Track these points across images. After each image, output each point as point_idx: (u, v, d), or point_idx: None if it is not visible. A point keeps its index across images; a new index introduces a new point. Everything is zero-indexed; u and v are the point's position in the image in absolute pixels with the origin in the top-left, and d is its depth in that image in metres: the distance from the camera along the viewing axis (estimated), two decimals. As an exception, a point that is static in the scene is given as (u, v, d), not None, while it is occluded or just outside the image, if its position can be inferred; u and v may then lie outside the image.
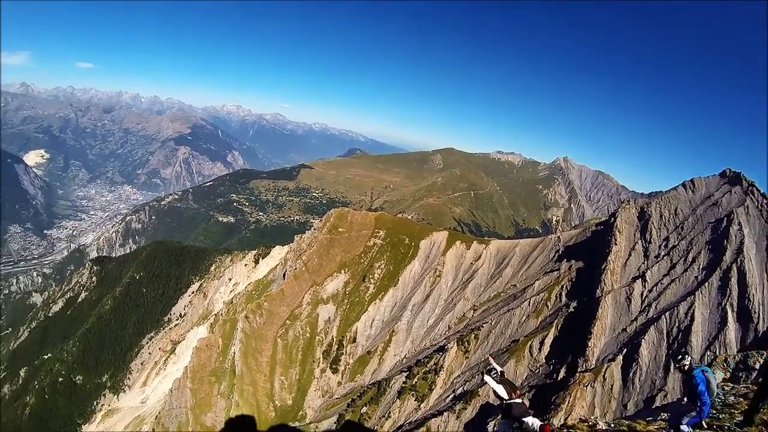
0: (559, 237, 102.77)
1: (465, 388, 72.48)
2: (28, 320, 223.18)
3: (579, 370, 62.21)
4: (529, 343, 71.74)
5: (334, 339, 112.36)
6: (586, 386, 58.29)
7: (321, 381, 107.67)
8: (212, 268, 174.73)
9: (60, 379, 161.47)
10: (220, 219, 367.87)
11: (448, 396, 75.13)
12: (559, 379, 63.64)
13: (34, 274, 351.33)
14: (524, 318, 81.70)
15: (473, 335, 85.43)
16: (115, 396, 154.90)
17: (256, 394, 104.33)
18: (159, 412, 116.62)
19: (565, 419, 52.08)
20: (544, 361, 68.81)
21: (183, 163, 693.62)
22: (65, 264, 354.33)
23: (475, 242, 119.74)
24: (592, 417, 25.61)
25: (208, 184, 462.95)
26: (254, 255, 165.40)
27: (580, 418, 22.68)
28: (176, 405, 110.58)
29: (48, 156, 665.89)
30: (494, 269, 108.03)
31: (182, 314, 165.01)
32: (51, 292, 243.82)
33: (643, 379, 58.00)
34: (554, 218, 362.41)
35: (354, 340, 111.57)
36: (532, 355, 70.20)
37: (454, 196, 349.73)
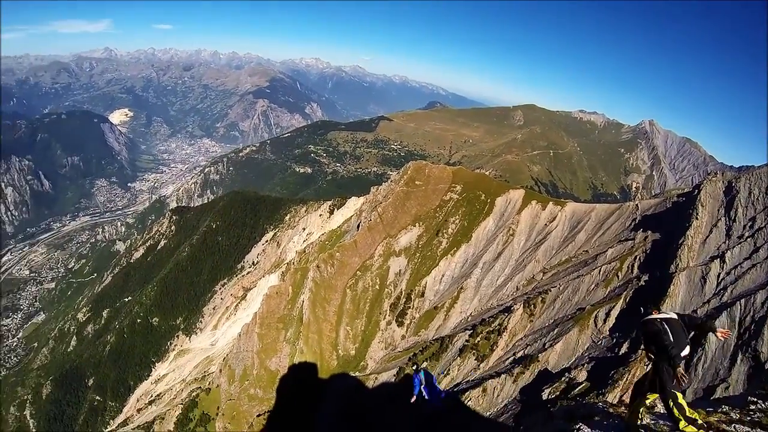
0: (637, 205, 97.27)
1: (526, 352, 70.73)
2: (112, 266, 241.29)
3: (642, 347, 58.12)
4: (595, 312, 68.97)
5: (403, 292, 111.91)
6: (647, 365, 54.09)
7: (385, 333, 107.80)
8: (287, 218, 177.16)
9: (138, 321, 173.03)
10: (297, 170, 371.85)
11: (508, 358, 73.42)
12: (620, 354, 60.47)
13: (118, 224, 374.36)
14: (593, 286, 78.54)
15: (540, 299, 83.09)
16: (188, 338, 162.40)
17: (320, 342, 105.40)
18: (227, 355, 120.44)
19: (621, 396, 49.20)
20: (608, 333, 65.88)
21: (261, 116, 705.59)
22: (147, 214, 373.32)
23: (550, 203, 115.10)
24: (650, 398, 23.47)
25: (286, 135, 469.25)
26: (329, 206, 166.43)
27: None
28: (243, 348, 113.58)
29: (131, 114, 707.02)
30: (568, 233, 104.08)
31: (255, 262, 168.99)
32: (133, 240, 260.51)
33: (707, 366, 53.70)
34: (634, 185, 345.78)
35: (422, 295, 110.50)
36: (596, 326, 67.44)
37: (533, 154, 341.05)
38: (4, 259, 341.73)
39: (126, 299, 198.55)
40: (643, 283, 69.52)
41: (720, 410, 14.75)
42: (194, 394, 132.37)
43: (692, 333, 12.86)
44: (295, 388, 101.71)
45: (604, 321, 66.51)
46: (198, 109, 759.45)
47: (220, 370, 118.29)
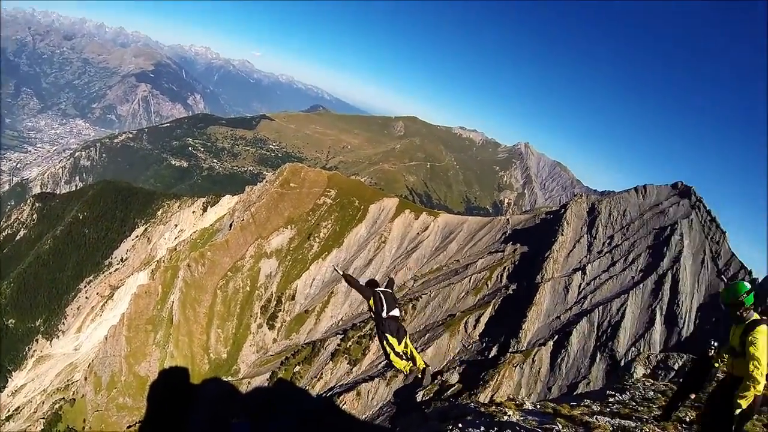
0: (508, 219, 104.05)
1: None
2: None
3: (510, 350, 64.00)
4: (465, 319, 72.91)
5: (274, 295, 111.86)
6: (515, 366, 60.10)
7: (257, 336, 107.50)
8: (159, 213, 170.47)
9: None
10: (173, 162, 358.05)
11: (380, 362, 75.50)
12: (490, 357, 65.53)
13: None
14: (463, 294, 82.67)
15: (411, 305, 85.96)
16: (48, 342, 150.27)
17: (191, 345, 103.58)
18: (92, 360, 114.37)
19: (492, 396, 53.37)
20: (477, 338, 70.27)
21: (141, 101, 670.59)
22: (5, 199, 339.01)
23: (424, 213, 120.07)
24: (519, 396, 26.39)
25: (165, 125, 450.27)
26: (203, 202, 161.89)
27: (508, 397, 23.15)
28: (110, 353, 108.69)
29: None
30: (440, 242, 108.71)
31: (124, 259, 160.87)
32: None
33: (570, 365, 60.22)
34: (506, 201, 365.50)
35: (293, 298, 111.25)
36: (466, 331, 71.46)
37: (410, 165, 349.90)
38: None
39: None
40: (511, 292, 74.71)
41: (583, 404, 16.46)
42: (57, 406, 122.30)
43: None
44: (167, 394, 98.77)
45: (474, 326, 70.62)
46: (74, 86, 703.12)
47: (85, 378, 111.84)
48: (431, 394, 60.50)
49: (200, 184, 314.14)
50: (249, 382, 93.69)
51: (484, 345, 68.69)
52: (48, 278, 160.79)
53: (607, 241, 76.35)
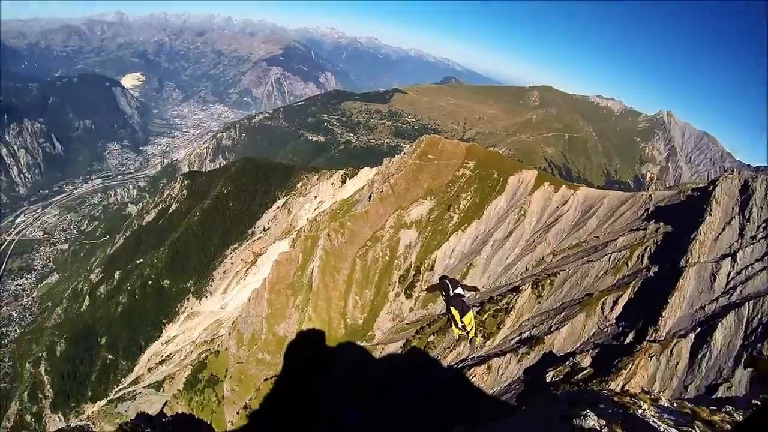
0: (651, 195, 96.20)
1: (532, 333, 70.79)
2: (124, 229, 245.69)
3: (647, 338, 59.31)
4: (603, 299, 68.81)
5: (412, 265, 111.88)
6: (651, 357, 54.88)
7: (394, 305, 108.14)
8: (298, 186, 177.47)
9: (149, 283, 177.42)
10: (310, 138, 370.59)
11: (514, 338, 73.38)
12: (625, 343, 60.97)
13: (130, 187, 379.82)
14: (602, 273, 78.03)
15: (549, 281, 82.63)
16: (198, 300, 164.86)
17: (329, 310, 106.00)
18: (236, 318, 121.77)
19: (624, 385, 49.52)
20: (614, 321, 65.79)
21: (275, 83, 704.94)
22: (158, 178, 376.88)
23: (563, 186, 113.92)
24: (655, 391, 23.74)
25: (300, 103, 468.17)
26: (341, 175, 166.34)
27: (642, 389, 20.78)
28: (252, 313, 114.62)
29: (143, 78, 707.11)
30: (579, 217, 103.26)
31: (266, 228, 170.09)
32: (145, 204, 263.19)
33: (711, 364, 53.65)
34: (648, 175, 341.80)
35: (432, 268, 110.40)
36: (603, 312, 67.45)
37: (547, 136, 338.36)
38: (18, 220, 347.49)
39: (138, 261, 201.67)
40: (652, 275, 69.30)
41: (724, 410, 15.08)
42: (203, 355, 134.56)
43: None
44: (303, 354, 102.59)
45: (612, 308, 66.56)
46: (211, 75, 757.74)
47: (229, 334, 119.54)
48: (561, 376, 57.53)
49: (337, 158, 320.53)
50: (383, 348, 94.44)
51: (620, 329, 63.88)
52: (197, 246, 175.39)
53: (763, 225, 66.19)
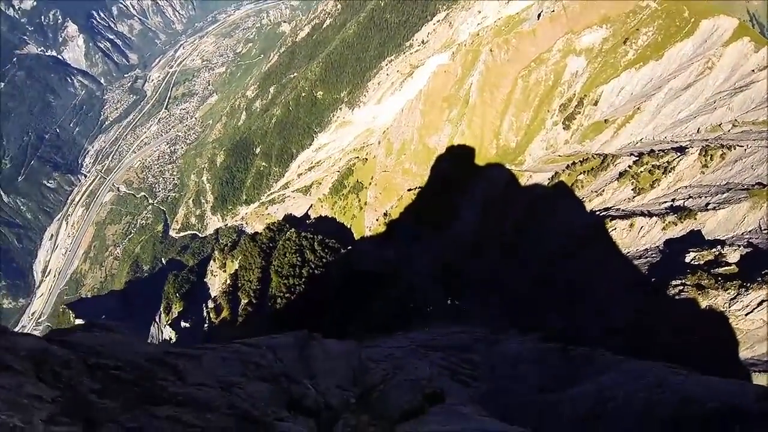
0: None
1: (685, 204, 62.63)
2: (278, 46, 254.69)
3: None
4: None
5: (576, 95, 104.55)
6: None
7: (549, 134, 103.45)
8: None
9: (303, 94, 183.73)
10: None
11: (665, 202, 65.99)
12: None
13: (282, 7, 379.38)
14: None
15: (720, 152, 71.41)
16: (350, 110, 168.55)
17: (483, 127, 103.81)
18: (388, 128, 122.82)
19: (761, 302, 42.12)
20: None
21: None
22: None
23: (766, 47, 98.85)
24: None
25: None
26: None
27: None
28: (405, 123, 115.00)
29: None
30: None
31: (424, 41, 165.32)
32: (298, 21, 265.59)
33: None
34: None
35: (596, 103, 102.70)
36: None
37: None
38: (178, 53, 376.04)
39: (292, 75, 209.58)
40: None
41: None
42: (351, 163, 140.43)
43: None
44: (450, 168, 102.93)
45: None
46: None
47: (379, 142, 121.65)
48: (701, 261, 50.02)
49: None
50: (530, 176, 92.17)
51: (786, 234, 54.00)
52: (352, 58, 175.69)
53: None
